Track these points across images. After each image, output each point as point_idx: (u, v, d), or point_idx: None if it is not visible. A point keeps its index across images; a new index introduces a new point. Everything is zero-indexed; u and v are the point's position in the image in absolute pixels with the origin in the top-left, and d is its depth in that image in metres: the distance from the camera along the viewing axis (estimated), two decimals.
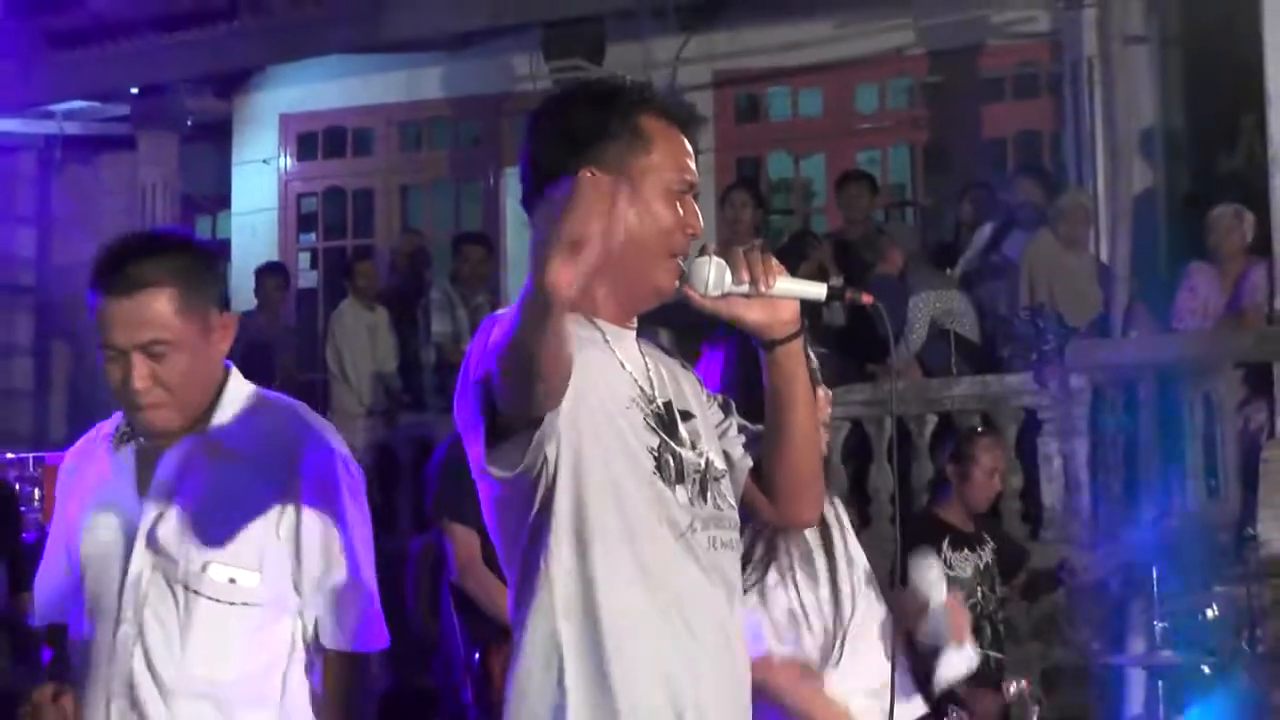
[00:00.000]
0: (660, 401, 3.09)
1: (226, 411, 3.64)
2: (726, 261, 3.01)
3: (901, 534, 7.62)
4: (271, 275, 13.31)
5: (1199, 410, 9.75)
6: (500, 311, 2.92)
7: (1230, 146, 11.50)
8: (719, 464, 3.17)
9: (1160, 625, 7.45)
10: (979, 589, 7.46)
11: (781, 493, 3.24)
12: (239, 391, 3.75)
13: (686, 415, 3.14)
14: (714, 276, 3.00)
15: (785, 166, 14.29)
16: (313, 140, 15.21)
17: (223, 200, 15.49)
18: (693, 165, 3.11)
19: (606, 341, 3.07)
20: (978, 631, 7.28)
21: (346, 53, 13.89)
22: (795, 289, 3.05)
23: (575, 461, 2.93)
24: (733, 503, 3.18)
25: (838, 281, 3.14)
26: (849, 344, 10.77)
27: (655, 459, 3.01)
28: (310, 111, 15.01)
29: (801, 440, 3.18)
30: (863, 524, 9.52)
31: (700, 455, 3.11)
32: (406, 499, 11.27)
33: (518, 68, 13.56)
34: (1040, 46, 12.74)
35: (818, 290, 3.07)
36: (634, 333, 3.16)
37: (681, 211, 3.06)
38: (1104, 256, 11.03)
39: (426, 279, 13.10)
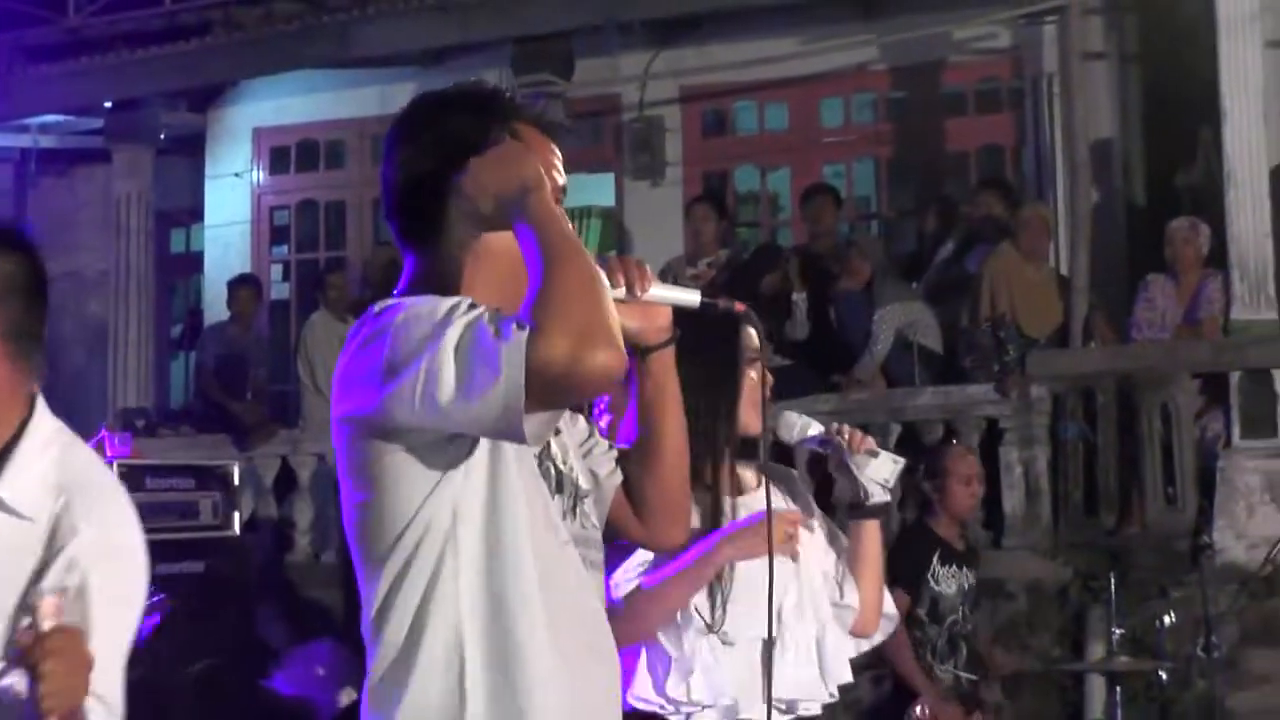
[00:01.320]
0: None
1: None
2: (601, 266, 2.88)
3: (896, 543, 7.69)
4: (244, 287, 13.30)
5: (1157, 419, 9.81)
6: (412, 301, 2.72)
7: (1187, 160, 11.55)
8: (584, 483, 3.12)
9: (1118, 632, 7.48)
10: (960, 608, 7.41)
11: (651, 511, 3.19)
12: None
13: (554, 430, 3.06)
14: None
15: (752, 180, 14.31)
16: (285, 154, 15.19)
17: (196, 213, 15.45)
18: (559, 168, 2.95)
19: None
20: (953, 651, 7.30)
21: (319, 68, 13.88)
22: (669, 295, 3.05)
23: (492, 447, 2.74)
24: (597, 523, 3.13)
25: (715, 298, 3.06)
26: (813, 355, 10.81)
27: (538, 463, 2.89)
28: (283, 125, 14.99)
29: (672, 454, 3.15)
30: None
31: (563, 467, 3.06)
32: None
33: (488, 82, 13.58)
34: (1002, 62, 12.78)
35: (691, 297, 3.06)
36: None
37: None
38: (1064, 268, 11.08)
39: None
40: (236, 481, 9.56)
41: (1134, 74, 12.29)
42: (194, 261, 15.71)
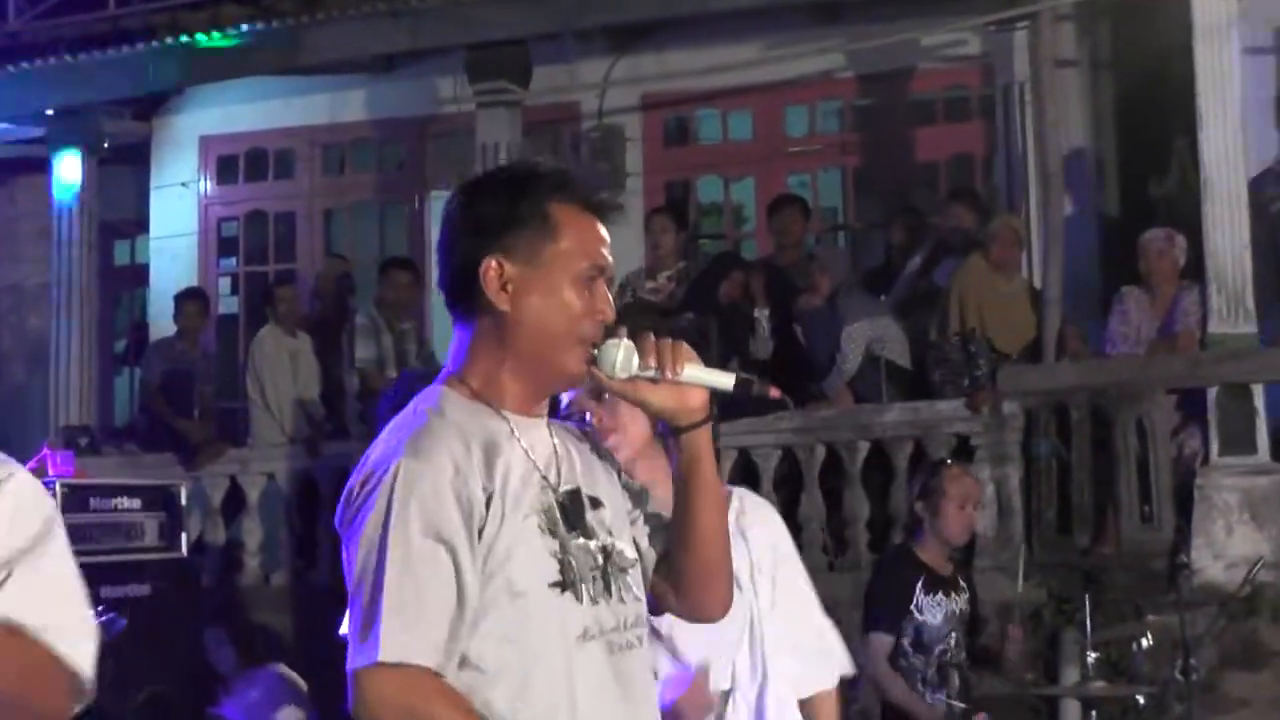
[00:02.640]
0: (565, 490, 3.09)
1: None
2: (635, 345, 3.06)
3: (875, 577, 7.64)
4: (191, 301, 13.23)
5: (1132, 436, 9.82)
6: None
7: (1162, 170, 11.59)
8: (629, 553, 3.18)
9: (1093, 655, 7.47)
10: (950, 635, 7.35)
11: (688, 585, 3.25)
12: None
13: (596, 502, 3.15)
14: (622, 359, 3.06)
15: (715, 190, 14.31)
16: (233, 163, 15.13)
17: (141, 224, 15.38)
18: (606, 252, 3.13)
19: (513, 433, 3.07)
20: (944, 681, 7.26)
21: (267, 75, 13.83)
22: (702, 377, 3.11)
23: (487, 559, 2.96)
24: (639, 595, 3.18)
25: (752, 377, 3.13)
26: (778, 372, 10.80)
27: (560, 562, 3.03)
28: (231, 134, 14.94)
29: (708, 529, 3.20)
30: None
31: (606, 545, 3.12)
32: (329, 531, 11.21)
33: (442, 90, 13.56)
34: (971, 70, 12.81)
35: (725, 380, 3.11)
36: (544, 419, 3.18)
37: (592, 297, 3.08)
38: (1036, 281, 11.09)
39: (350, 305, 13.05)
40: (183, 502, 9.51)
41: (1107, 81, 12.34)
42: (139, 274, 15.64)
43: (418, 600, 2.84)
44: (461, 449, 2.96)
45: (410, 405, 3.09)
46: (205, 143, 15.02)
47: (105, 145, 14.23)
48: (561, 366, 3.08)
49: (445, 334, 12.58)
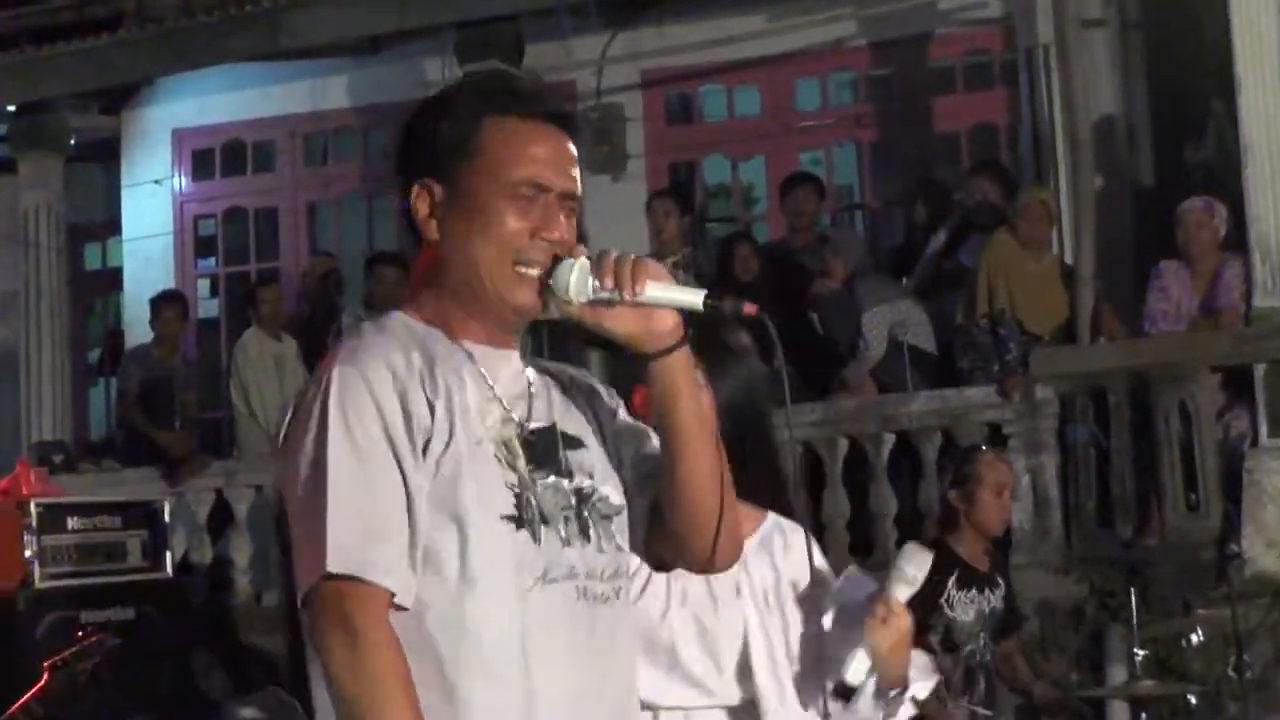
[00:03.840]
0: (536, 426, 3.01)
1: None
2: (590, 264, 2.94)
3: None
4: (168, 305, 13.23)
5: (1175, 419, 9.81)
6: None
7: (1199, 135, 11.57)
8: (615, 500, 3.09)
9: (1141, 653, 7.47)
10: (979, 636, 7.34)
11: (685, 532, 3.11)
12: None
13: (574, 442, 3.06)
14: (575, 281, 2.92)
15: (722, 170, 14.31)
16: (209, 157, 15.14)
17: (113, 225, 15.39)
18: (550, 167, 3.01)
19: (470, 357, 3.00)
20: (969, 685, 7.26)
21: (244, 61, 13.84)
22: (667, 296, 2.94)
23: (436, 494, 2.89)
24: (621, 545, 3.09)
25: (724, 295, 2.94)
26: (795, 360, 10.79)
27: (516, 496, 2.94)
28: (206, 126, 14.94)
29: (695, 468, 3.05)
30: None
31: (582, 487, 3.03)
32: None
33: (430, 73, 13.55)
34: (992, 33, 12.80)
35: (693, 298, 2.95)
36: (515, 352, 3.08)
37: (531, 216, 2.97)
38: (1067, 258, 11.08)
39: (339, 304, 13.05)
40: (167, 519, 9.53)
41: (1138, 42, 12.31)
42: (112, 278, 15.65)
43: (367, 509, 2.80)
44: (401, 360, 2.89)
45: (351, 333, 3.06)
46: (179, 136, 15.03)
47: (72, 142, 14.25)
48: (502, 297, 2.97)
49: None
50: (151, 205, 15.02)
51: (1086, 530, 10.03)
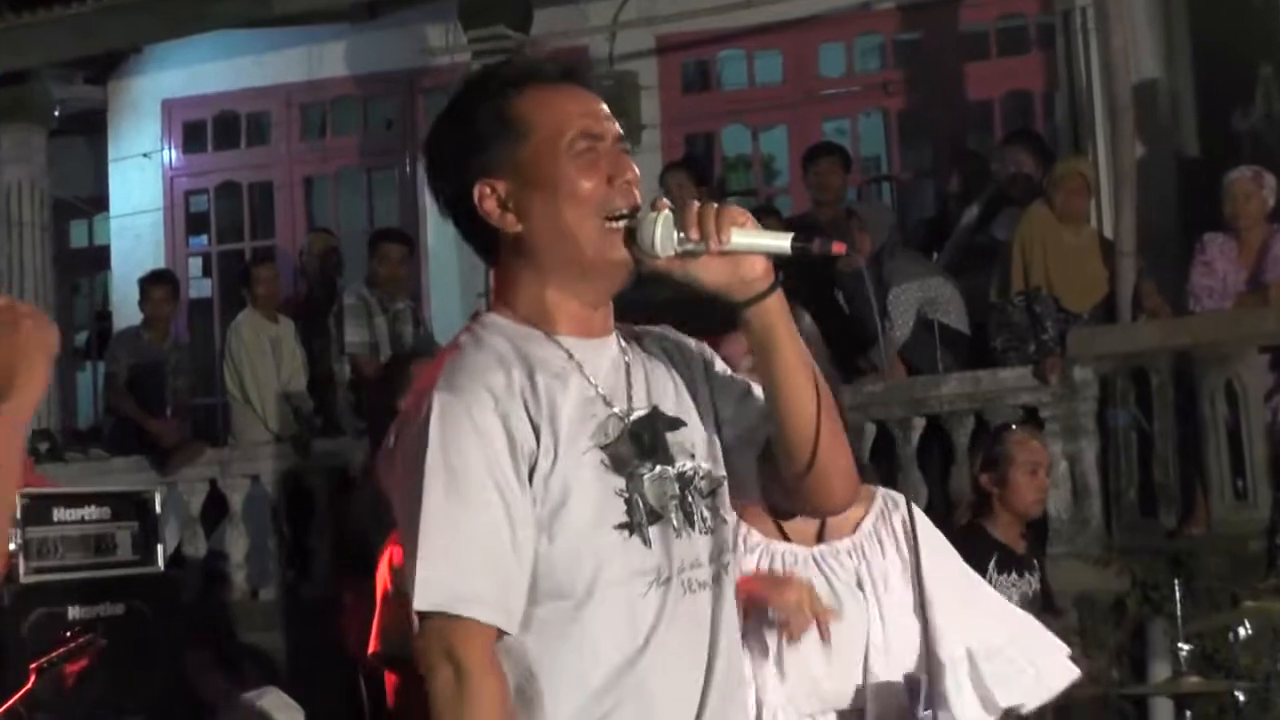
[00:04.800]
0: (639, 415, 3.11)
1: None
2: (674, 216, 3.01)
3: None
4: (158, 285, 13.22)
5: (1221, 401, 9.80)
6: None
7: (1246, 101, 11.56)
8: (717, 471, 3.19)
9: (1185, 648, 7.48)
10: None
11: (796, 476, 3.21)
12: None
13: (675, 423, 3.16)
14: (661, 234, 3.00)
15: (742, 141, 14.32)
16: (200, 129, 15.16)
17: (99, 201, 15.43)
18: (590, 115, 3.12)
19: (570, 357, 3.08)
20: None
21: (236, 28, 13.84)
22: (754, 242, 3.03)
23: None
24: (726, 516, 3.19)
25: (810, 237, 3.07)
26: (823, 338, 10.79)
27: (625, 502, 3.04)
28: (196, 96, 14.96)
29: (800, 410, 3.14)
30: None
31: (684, 470, 3.12)
32: (324, 537, 11.25)
33: (433, 39, 13.58)
34: None
35: (780, 243, 3.04)
36: (611, 337, 3.17)
37: (600, 166, 3.08)
38: (1107, 231, 11.08)
39: (339, 284, 13.06)
40: (158, 510, 9.52)
41: (1181, 3, 12.29)
42: (99, 257, 15.69)
43: (460, 545, 2.92)
44: (502, 379, 2.98)
45: (448, 346, 3.14)
46: (168, 107, 15.05)
47: (56, 114, 14.26)
48: (600, 256, 3.05)
49: (444, 312, 12.60)
50: (140, 180, 15.05)
51: (1128, 519, 10.03)
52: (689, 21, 13.43)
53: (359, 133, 14.97)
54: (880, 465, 10.55)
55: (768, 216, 11.67)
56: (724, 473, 3.20)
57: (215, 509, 12.08)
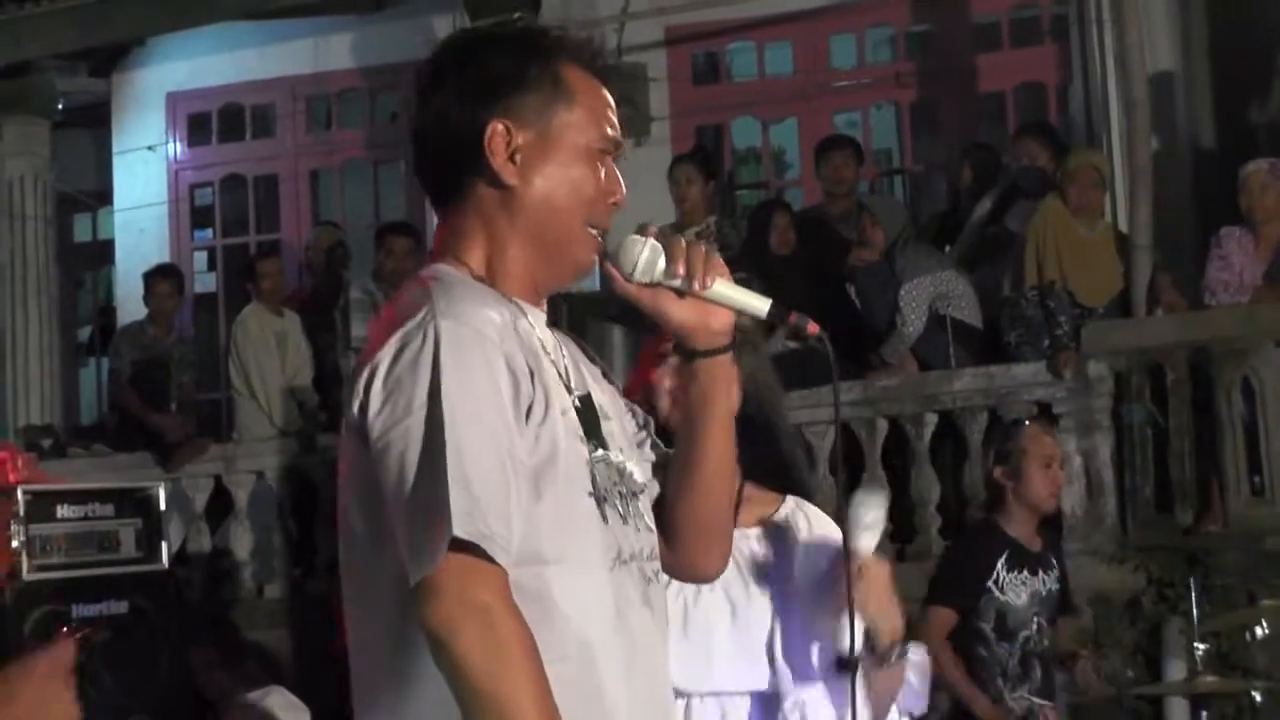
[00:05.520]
0: (579, 395, 3.03)
1: None
2: (663, 247, 2.99)
3: (953, 546, 7.59)
4: (163, 280, 13.23)
5: (1238, 397, 9.78)
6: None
7: (1263, 93, 11.55)
8: (639, 477, 3.11)
9: (1201, 647, 7.46)
10: (1034, 620, 7.33)
11: (683, 536, 3.16)
12: None
13: (605, 414, 3.09)
14: (645, 260, 2.98)
15: (752, 134, 14.31)
16: (205, 122, 15.16)
17: (103, 195, 15.43)
18: (616, 121, 3.10)
19: (529, 322, 2.99)
20: (1026, 674, 7.26)
21: (241, 19, 13.84)
22: (734, 297, 3.02)
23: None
24: (651, 525, 3.11)
25: (788, 309, 3.05)
26: (830, 337, 10.76)
27: (590, 474, 2.97)
28: (201, 88, 14.97)
29: (713, 473, 3.13)
30: None
31: (619, 463, 3.05)
32: (329, 534, 11.24)
33: (440, 30, 13.51)
34: None
35: (759, 305, 3.02)
36: (544, 315, 3.09)
37: (605, 176, 3.05)
38: (1122, 225, 11.06)
39: (345, 278, 13.05)
40: (162, 506, 9.47)
41: None
42: (102, 251, 15.70)
43: (486, 480, 2.72)
44: (496, 315, 2.86)
45: (406, 290, 2.97)
46: (173, 99, 15.05)
47: (59, 106, 14.26)
48: (571, 254, 3.02)
49: None
50: (144, 173, 15.05)
51: (1143, 516, 10.00)
52: (699, 12, 13.41)
53: (365, 125, 14.97)
54: (892, 461, 10.55)
55: (781, 212, 11.67)
56: (647, 480, 3.14)
57: (220, 505, 12.08)
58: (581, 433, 2.96)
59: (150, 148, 15.01)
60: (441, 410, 2.73)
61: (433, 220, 11.64)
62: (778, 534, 4.22)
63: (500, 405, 2.79)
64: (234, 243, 15.18)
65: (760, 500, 4.26)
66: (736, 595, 4.10)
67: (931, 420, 10.45)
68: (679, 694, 3.83)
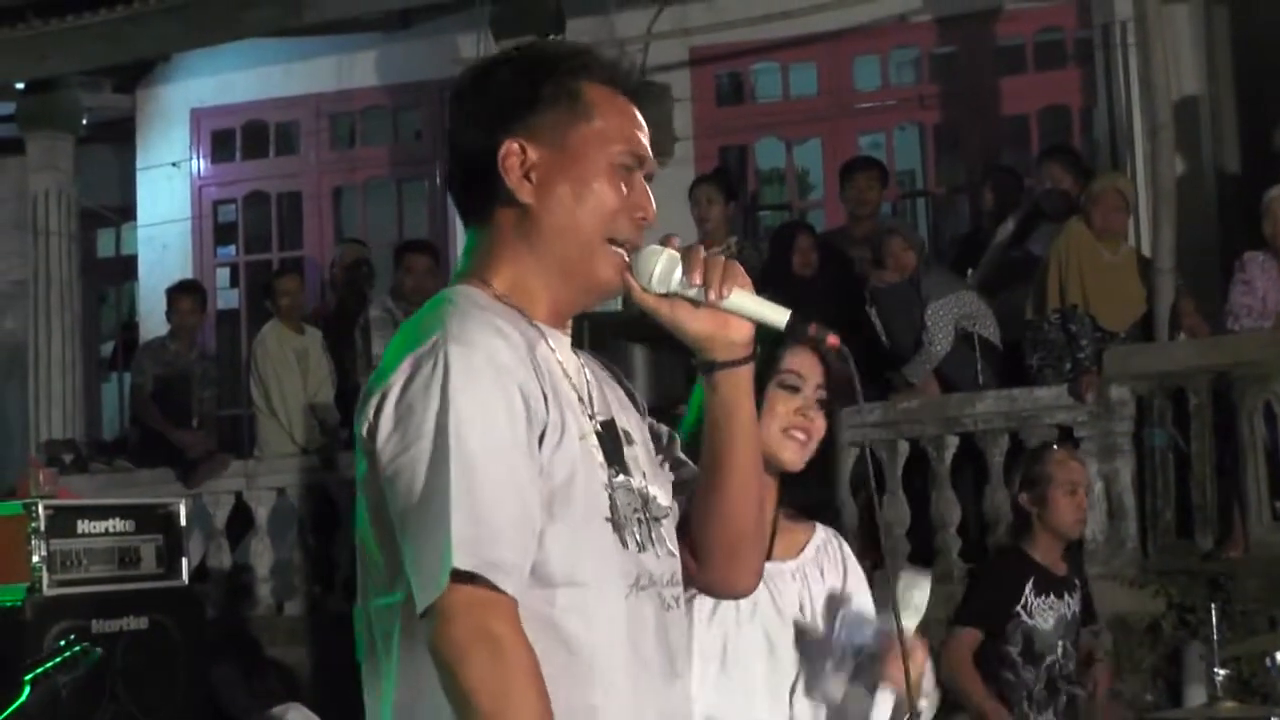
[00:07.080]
0: (601, 420, 3.00)
1: None
2: (680, 257, 2.96)
3: (978, 573, 7.59)
4: (186, 296, 13.25)
5: (1260, 422, 9.78)
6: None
7: None
8: (663, 501, 3.08)
9: (1222, 673, 7.44)
10: (1060, 644, 7.33)
11: (712, 552, 3.14)
12: None
13: (629, 438, 3.06)
14: (661, 270, 2.96)
15: (776, 154, 14.30)
16: (229, 138, 15.19)
17: (127, 210, 15.47)
18: (644, 138, 3.05)
19: (550, 347, 2.97)
20: (1052, 698, 7.25)
21: (266, 36, 13.87)
22: (752, 308, 2.99)
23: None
24: (674, 550, 3.08)
25: (808, 319, 3.02)
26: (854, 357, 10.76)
27: (610, 499, 2.94)
28: (225, 105, 15.00)
29: (739, 488, 3.10)
30: (875, 564, 9.49)
31: (642, 488, 3.02)
32: (349, 550, 11.24)
33: (464, 48, 13.57)
34: (1066, 9, 12.80)
35: (777, 315, 3.00)
36: (569, 339, 3.07)
37: (630, 191, 3.01)
38: (1145, 249, 11.06)
39: (368, 295, 13.07)
40: (183, 523, 9.54)
41: (1222, 18, 12.28)
42: (126, 267, 15.72)
43: (494, 507, 2.70)
44: (510, 340, 2.83)
45: (423, 311, 2.94)
46: (197, 116, 15.09)
47: (84, 122, 14.30)
48: (593, 272, 2.98)
49: None
50: (168, 189, 15.09)
51: (1164, 541, 10.00)
52: (723, 33, 13.43)
53: (389, 143, 15.00)
54: (913, 483, 10.55)
55: (804, 233, 11.68)
56: (671, 504, 3.11)
57: (240, 522, 12.11)
58: (602, 458, 2.93)
59: (174, 164, 15.05)
60: (449, 438, 2.72)
61: (455, 238, 11.68)
62: (814, 571, 4.23)
63: (513, 431, 2.77)
64: (257, 259, 15.21)
65: (793, 530, 4.27)
66: (775, 632, 4.11)
67: (953, 442, 10.44)
68: None
